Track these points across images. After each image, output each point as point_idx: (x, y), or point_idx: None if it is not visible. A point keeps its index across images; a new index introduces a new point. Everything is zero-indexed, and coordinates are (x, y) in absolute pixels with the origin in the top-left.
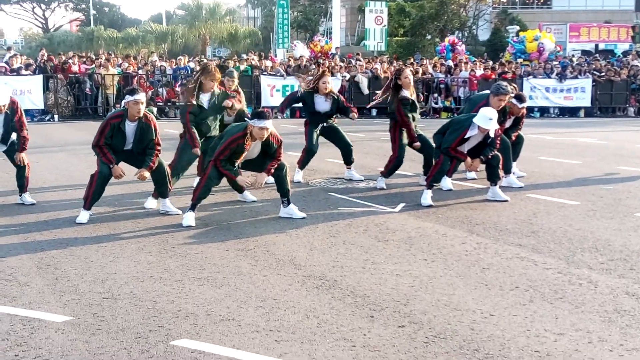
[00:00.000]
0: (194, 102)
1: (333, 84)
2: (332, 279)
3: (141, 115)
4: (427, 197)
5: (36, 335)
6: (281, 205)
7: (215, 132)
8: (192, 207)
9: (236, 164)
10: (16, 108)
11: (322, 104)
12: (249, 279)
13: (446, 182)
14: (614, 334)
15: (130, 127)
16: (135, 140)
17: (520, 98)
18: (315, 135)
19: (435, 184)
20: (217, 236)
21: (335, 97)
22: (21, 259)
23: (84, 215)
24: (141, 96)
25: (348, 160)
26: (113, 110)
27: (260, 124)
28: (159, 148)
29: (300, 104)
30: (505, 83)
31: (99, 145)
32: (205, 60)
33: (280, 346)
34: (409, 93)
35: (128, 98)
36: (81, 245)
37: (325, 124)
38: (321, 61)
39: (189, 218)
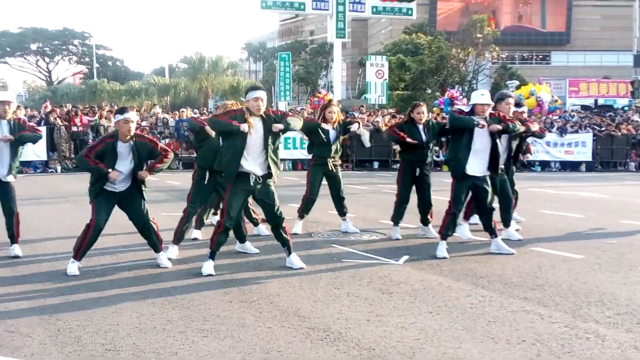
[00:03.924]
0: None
1: (339, 113)
2: (336, 331)
3: (132, 134)
4: (442, 249)
5: None
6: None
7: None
8: (211, 256)
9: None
10: (24, 123)
11: (330, 132)
12: (253, 331)
13: (465, 231)
14: None
15: (124, 149)
16: (135, 160)
17: (518, 104)
18: (318, 182)
19: (449, 234)
20: (220, 287)
21: (340, 125)
22: (23, 310)
23: (74, 267)
24: (131, 115)
25: (341, 209)
26: None
27: (254, 95)
28: (165, 154)
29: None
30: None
31: (87, 156)
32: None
33: None
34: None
35: (118, 117)
36: (83, 296)
37: (331, 159)
38: None
39: (208, 267)
